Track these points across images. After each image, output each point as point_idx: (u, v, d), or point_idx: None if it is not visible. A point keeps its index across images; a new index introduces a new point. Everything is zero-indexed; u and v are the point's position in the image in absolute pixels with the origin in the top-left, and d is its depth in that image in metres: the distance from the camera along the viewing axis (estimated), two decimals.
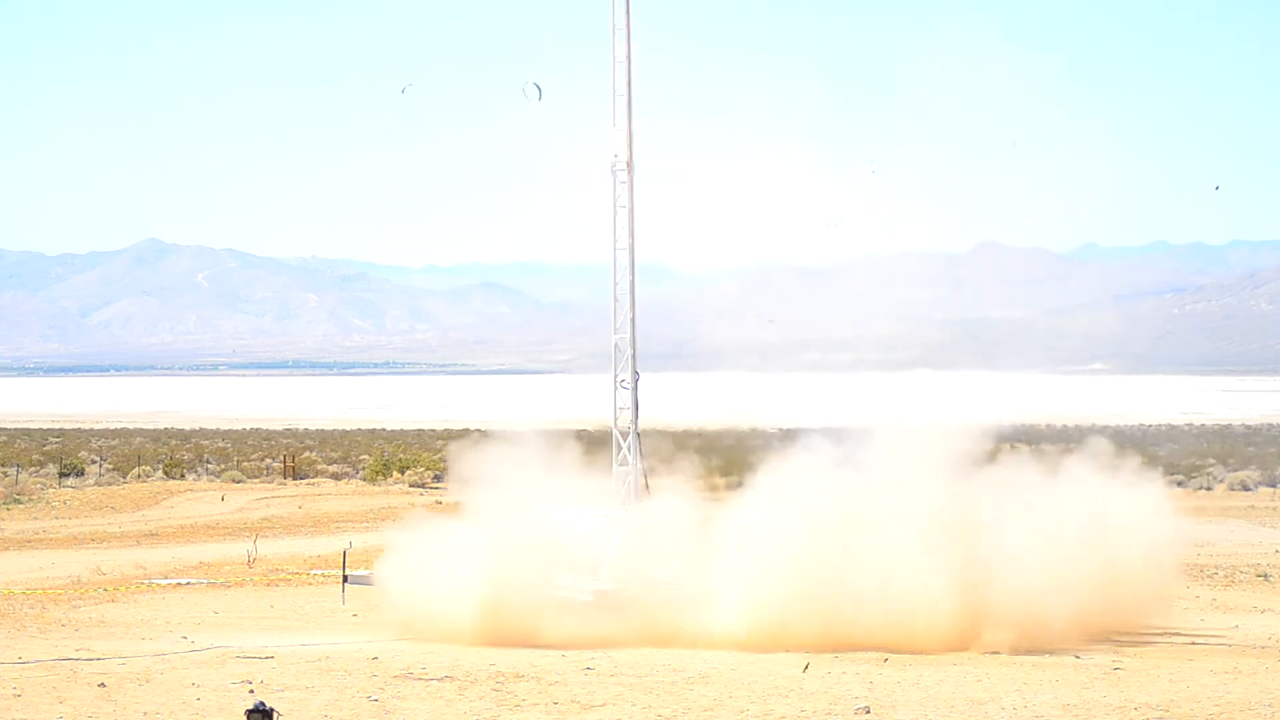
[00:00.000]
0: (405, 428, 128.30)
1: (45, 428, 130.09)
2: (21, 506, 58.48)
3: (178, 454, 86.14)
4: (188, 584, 36.21)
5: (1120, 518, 28.39)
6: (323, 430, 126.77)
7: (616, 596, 27.46)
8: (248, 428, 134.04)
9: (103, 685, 21.83)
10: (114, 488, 67.07)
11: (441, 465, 70.34)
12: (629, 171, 30.32)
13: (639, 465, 29.98)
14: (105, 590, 34.70)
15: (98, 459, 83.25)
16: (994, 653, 25.74)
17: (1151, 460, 31.84)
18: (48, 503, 60.16)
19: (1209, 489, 67.65)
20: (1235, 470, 73.42)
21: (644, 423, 30.40)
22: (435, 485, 68.10)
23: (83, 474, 73.81)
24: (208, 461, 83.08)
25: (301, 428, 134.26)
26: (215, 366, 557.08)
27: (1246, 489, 68.07)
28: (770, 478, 28.09)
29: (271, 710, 18.64)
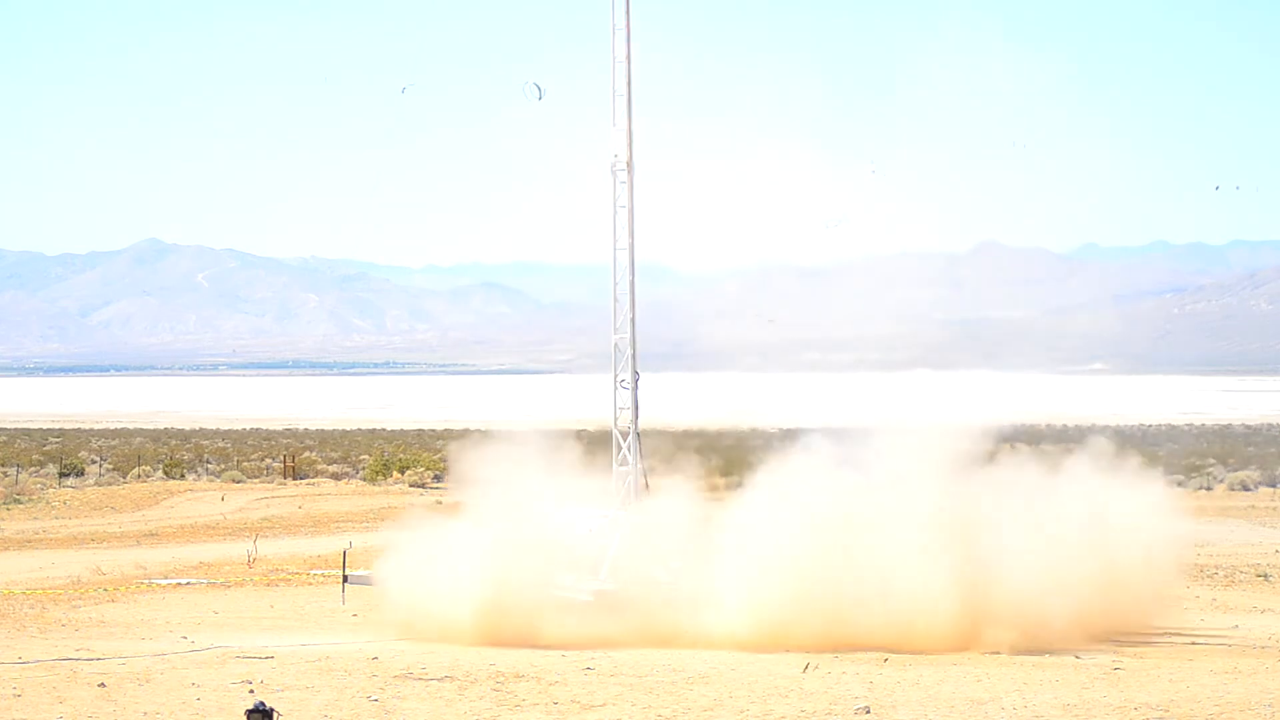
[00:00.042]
0: (405, 428, 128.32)
1: (45, 428, 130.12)
2: (21, 506, 58.49)
3: (178, 454, 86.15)
4: (188, 584, 36.21)
5: (1121, 517, 28.40)
6: (323, 430, 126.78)
7: (616, 596, 27.46)
8: (248, 428, 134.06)
9: (103, 685, 21.83)
10: (114, 488, 67.08)
11: (441, 465, 70.35)
12: (629, 171, 30.32)
13: (639, 465, 29.98)
14: (105, 590, 34.70)
15: (98, 459, 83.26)
16: (994, 653, 25.74)
17: (1151, 460, 31.81)
18: (48, 503, 60.17)
19: (1209, 489, 67.64)
20: (1235, 470, 73.43)
21: (644, 423, 30.40)
22: (435, 485, 68.10)
23: (83, 474, 73.82)
24: (208, 461, 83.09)
25: (301, 428, 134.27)
26: (215, 366, 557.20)
27: (1246, 489, 68.08)
28: (771, 478, 28.09)
29: (271, 710, 18.64)
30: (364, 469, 75.49)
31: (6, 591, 34.18)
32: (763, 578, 26.51)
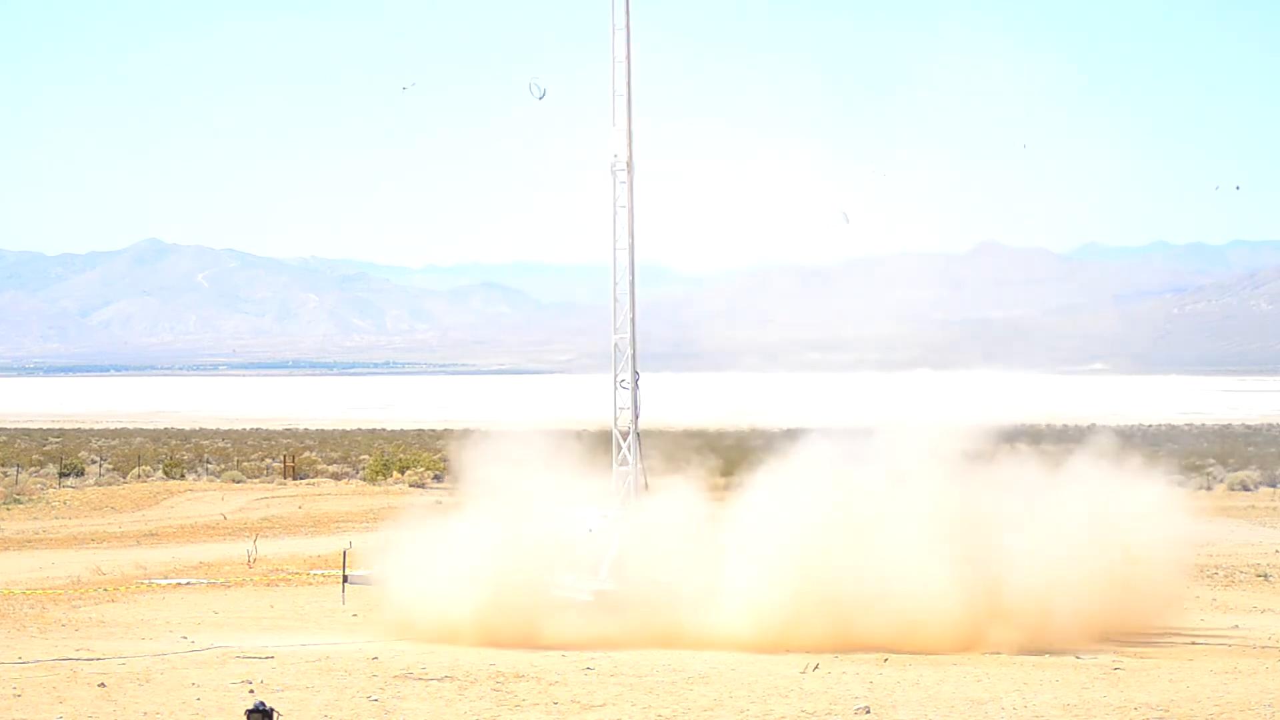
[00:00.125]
0: (405, 428, 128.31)
1: (45, 428, 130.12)
2: (21, 506, 58.49)
3: (178, 454, 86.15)
4: (188, 584, 36.21)
5: (1126, 517, 28.39)
6: (323, 430, 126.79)
7: (616, 596, 27.46)
8: (248, 428, 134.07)
9: (103, 685, 21.83)
10: (114, 488, 67.08)
11: (441, 465, 70.33)
12: (629, 171, 30.32)
13: (639, 465, 29.98)
14: (105, 590, 34.70)
15: (98, 459, 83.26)
16: (995, 653, 25.74)
17: (1151, 460, 31.79)
18: (48, 503, 60.17)
19: (1209, 489, 67.62)
20: (1235, 470, 73.43)
21: (644, 423, 30.39)
22: (435, 485, 68.09)
23: (83, 474, 73.81)
24: (208, 461, 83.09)
25: (301, 428, 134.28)
26: (215, 366, 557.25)
27: (1246, 489, 68.08)
28: (772, 477, 28.08)
29: (271, 710, 18.64)
30: (364, 469, 75.49)
31: (6, 591, 34.19)
32: (765, 578, 26.51)
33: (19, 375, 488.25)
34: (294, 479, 73.27)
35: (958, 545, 26.61)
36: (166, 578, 37.42)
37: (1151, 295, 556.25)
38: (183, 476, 72.72)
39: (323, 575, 36.93)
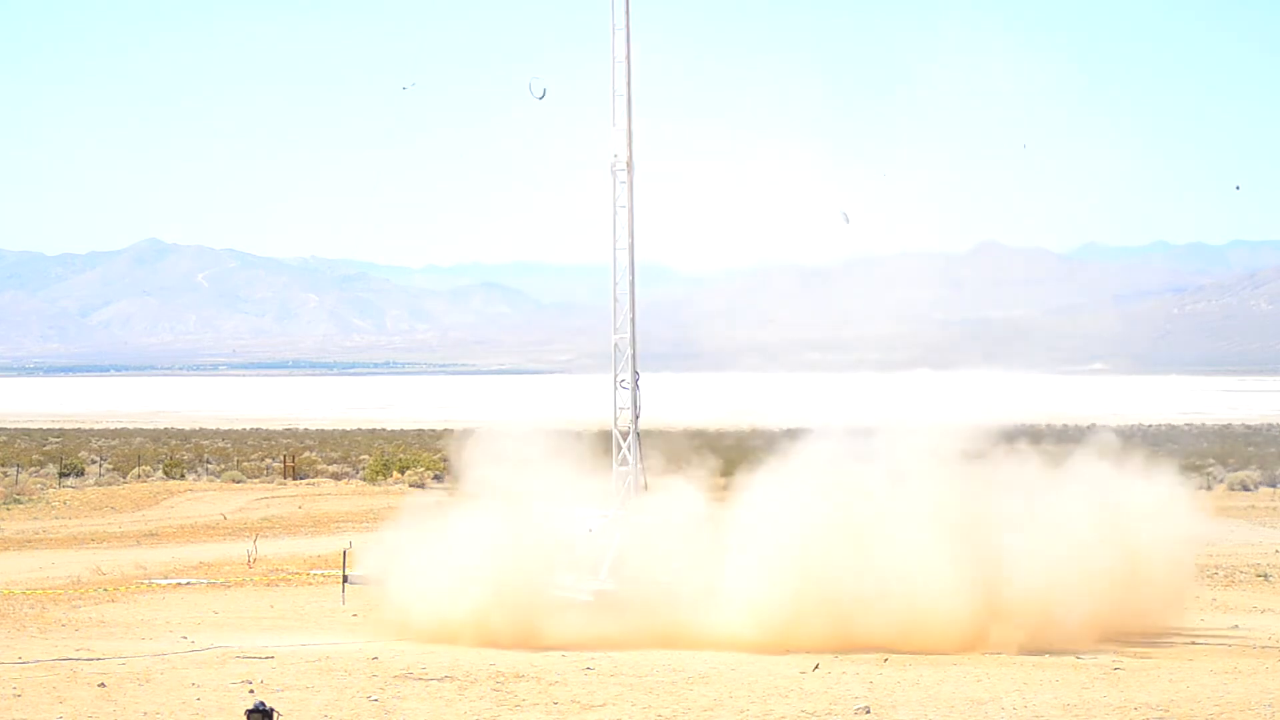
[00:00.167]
0: (405, 428, 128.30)
1: (45, 428, 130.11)
2: (21, 506, 58.48)
3: (178, 454, 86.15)
4: (188, 584, 36.21)
5: (1129, 516, 28.38)
6: (323, 430, 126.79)
7: (616, 596, 27.45)
8: (248, 428, 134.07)
9: (103, 685, 21.84)
10: (114, 488, 67.08)
11: (441, 465, 70.33)
12: (629, 171, 30.32)
13: (639, 465, 29.97)
14: (105, 590, 34.69)
15: (98, 459, 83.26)
16: (996, 652, 25.73)
17: (1152, 460, 31.76)
18: (48, 503, 60.17)
19: (1209, 489, 67.61)
20: (1235, 470, 73.42)
21: (644, 423, 30.39)
22: (435, 485, 68.09)
23: (83, 474, 73.81)
24: (208, 461, 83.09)
25: (301, 428, 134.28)
26: (215, 366, 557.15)
27: (1246, 489, 68.07)
28: (773, 477, 28.07)
29: (271, 710, 18.64)
30: (364, 469, 75.50)
31: (6, 591, 34.18)
32: (765, 578, 26.49)
33: (19, 375, 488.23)
34: (294, 479, 73.28)
35: (958, 545, 26.60)
36: (166, 578, 37.42)
37: (1151, 295, 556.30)
38: (183, 476, 72.73)
39: (323, 575, 36.93)
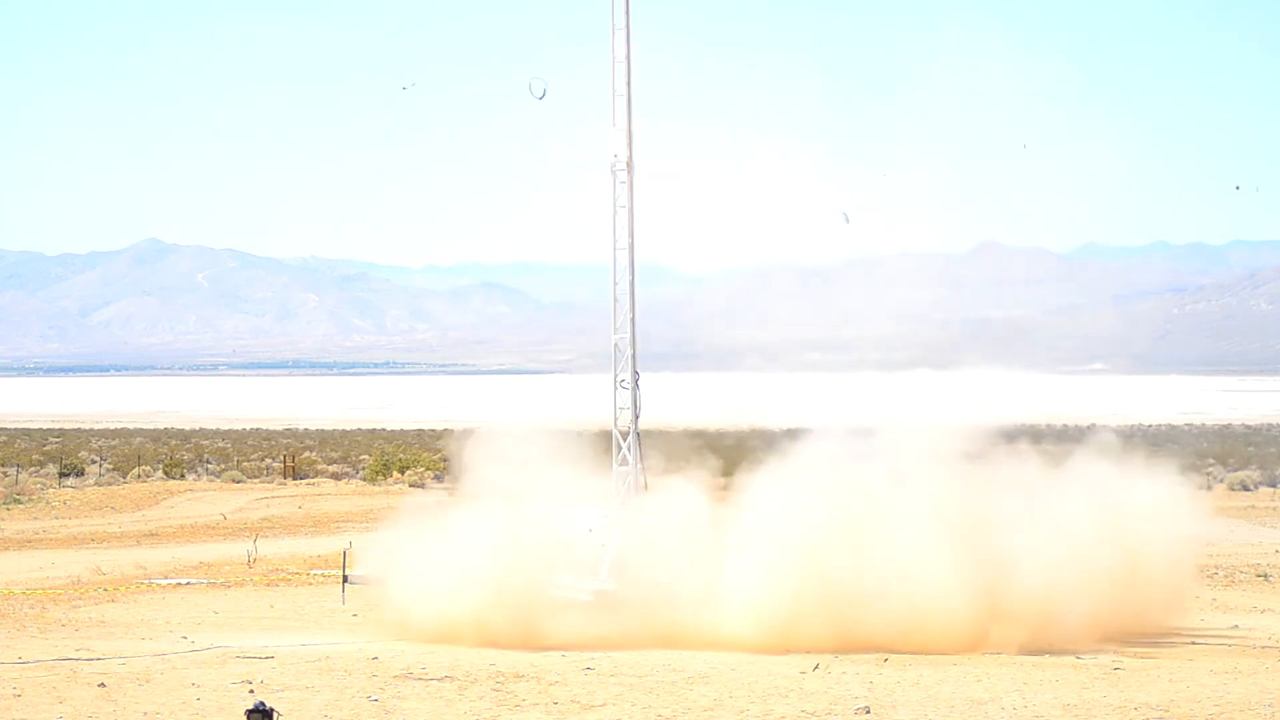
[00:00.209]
0: (405, 428, 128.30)
1: (45, 428, 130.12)
2: (21, 506, 58.49)
3: (178, 454, 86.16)
4: (188, 584, 36.21)
5: (1129, 516, 28.36)
6: (323, 430, 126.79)
7: (616, 596, 27.45)
8: (248, 428, 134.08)
9: (103, 685, 21.84)
10: (114, 488, 67.08)
11: (441, 465, 70.34)
12: (629, 171, 30.31)
13: (639, 465, 29.97)
14: (105, 590, 34.69)
15: (98, 459, 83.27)
16: (997, 652, 25.73)
17: (1152, 460, 31.76)
18: (48, 503, 60.17)
19: (1209, 489, 67.61)
20: (1235, 470, 73.42)
21: (644, 423, 30.38)
22: (435, 485, 68.09)
23: (83, 474, 73.82)
24: (208, 461, 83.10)
25: (301, 428, 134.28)
26: (215, 366, 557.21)
27: (1246, 489, 68.07)
28: (773, 477, 28.07)
29: (271, 710, 18.64)
30: (364, 469, 75.50)
31: (6, 591, 34.18)
32: (765, 578, 26.49)
33: (19, 375, 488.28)
34: (294, 479, 73.28)
35: (958, 545, 26.60)
36: (166, 578, 37.42)
37: (1151, 295, 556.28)
38: (183, 476, 72.73)
39: (323, 575, 36.93)
